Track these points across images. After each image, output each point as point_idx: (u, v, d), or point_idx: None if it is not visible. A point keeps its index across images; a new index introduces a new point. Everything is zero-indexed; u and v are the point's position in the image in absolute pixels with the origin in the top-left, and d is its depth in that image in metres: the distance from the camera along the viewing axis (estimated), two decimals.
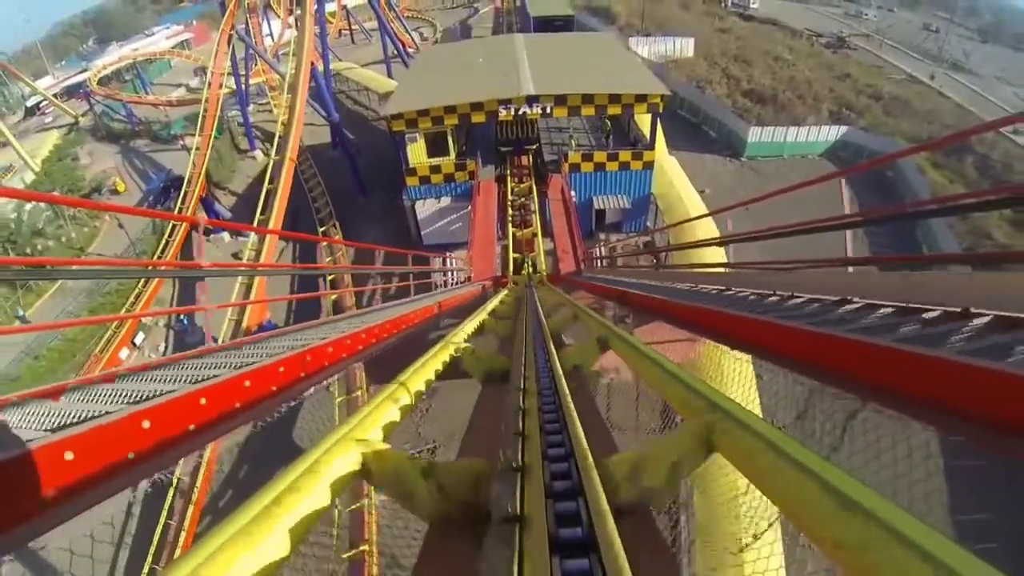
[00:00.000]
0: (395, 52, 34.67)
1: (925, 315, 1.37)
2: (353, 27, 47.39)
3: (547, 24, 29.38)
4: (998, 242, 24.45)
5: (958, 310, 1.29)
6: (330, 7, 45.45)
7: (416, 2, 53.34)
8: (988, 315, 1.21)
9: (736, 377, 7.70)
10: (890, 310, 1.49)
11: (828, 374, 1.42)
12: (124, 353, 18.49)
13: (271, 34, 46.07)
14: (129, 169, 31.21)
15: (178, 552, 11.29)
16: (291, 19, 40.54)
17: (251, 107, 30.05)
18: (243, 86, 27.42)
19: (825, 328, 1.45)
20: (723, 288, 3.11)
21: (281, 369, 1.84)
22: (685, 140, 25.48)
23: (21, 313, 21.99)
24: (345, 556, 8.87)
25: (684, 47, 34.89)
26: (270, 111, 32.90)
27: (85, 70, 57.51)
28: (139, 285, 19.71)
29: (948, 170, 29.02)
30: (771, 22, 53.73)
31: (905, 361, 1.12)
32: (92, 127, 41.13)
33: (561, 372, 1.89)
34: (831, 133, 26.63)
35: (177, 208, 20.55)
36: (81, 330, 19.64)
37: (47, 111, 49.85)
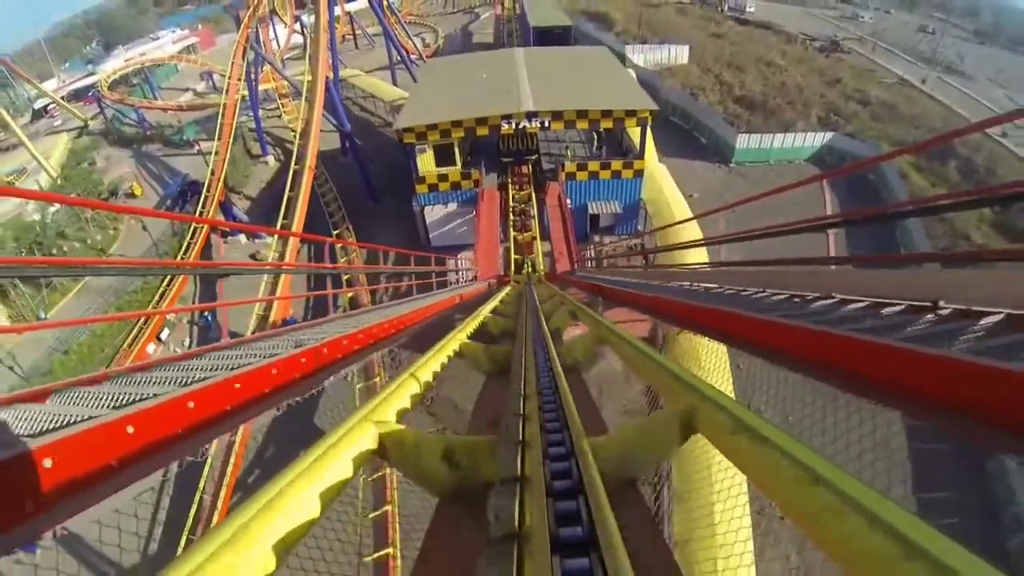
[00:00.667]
0: (399, 59, 36.28)
1: (879, 307, 1.49)
2: (356, 32, 48.94)
3: (546, 33, 31.01)
4: (975, 242, 26.00)
5: (928, 303, 1.38)
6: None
7: (417, 7, 54.97)
8: (948, 308, 1.35)
9: (712, 361, 9.34)
10: (862, 304, 1.65)
11: (795, 362, 1.58)
12: (151, 348, 20.10)
13: (276, 39, 47.55)
14: (143, 173, 32.75)
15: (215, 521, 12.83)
16: (296, 25, 42.06)
17: (259, 112, 31.62)
18: (255, 93, 29.01)
19: (787, 319, 1.60)
20: (695, 284, 3.93)
21: (274, 371, 1.86)
22: (677, 146, 27.14)
23: (43, 316, 23.48)
24: (371, 516, 10.50)
25: (679, 54, 36.52)
26: (279, 116, 34.48)
27: (92, 73, 58.67)
28: (163, 284, 21.33)
29: (931, 173, 30.43)
30: (766, 26, 54.96)
31: (847, 346, 1.26)
32: (103, 131, 42.44)
33: (556, 355, 2.46)
34: (816, 139, 28.28)
35: (198, 212, 22.17)
36: (108, 326, 21.21)
37: (55, 114, 50.88)
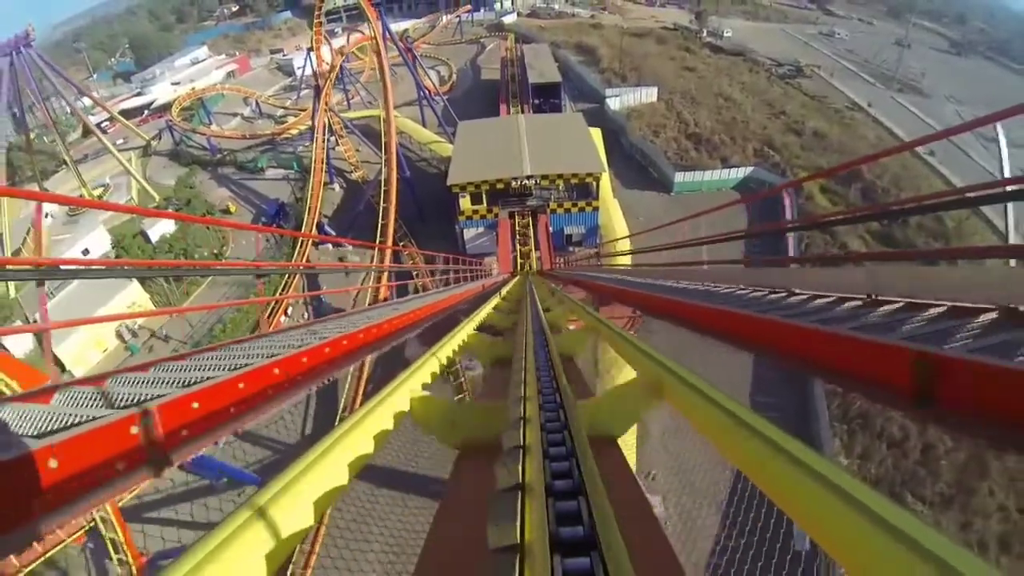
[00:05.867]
0: (422, 96, 50.24)
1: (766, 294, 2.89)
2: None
3: (542, 88, 45.78)
4: (848, 249, 39.95)
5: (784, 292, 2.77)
6: (354, 36, 60.52)
7: (430, 38, 69.55)
8: (806, 294, 2.64)
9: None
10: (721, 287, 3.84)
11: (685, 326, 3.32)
12: (283, 319, 34.41)
13: (304, 66, 61.28)
14: (228, 193, 47.06)
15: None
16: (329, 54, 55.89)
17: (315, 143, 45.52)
18: (322, 131, 43.25)
19: (669, 294, 3.89)
20: (622, 275, 18.43)
21: (305, 358, 2.54)
22: (635, 179, 41.68)
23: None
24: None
25: (649, 94, 50.94)
26: (333, 148, 48.74)
27: (140, 93, 72.31)
28: (284, 277, 35.75)
29: (835, 195, 44.16)
30: (738, 54, 68.30)
31: (723, 315, 2.61)
32: (170, 152, 56.00)
33: (545, 318, 5.46)
34: (741, 172, 42.61)
35: (304, 228, 36.70)
36: (248, 306, 35.56)
37: (108, 130, 62.99)
